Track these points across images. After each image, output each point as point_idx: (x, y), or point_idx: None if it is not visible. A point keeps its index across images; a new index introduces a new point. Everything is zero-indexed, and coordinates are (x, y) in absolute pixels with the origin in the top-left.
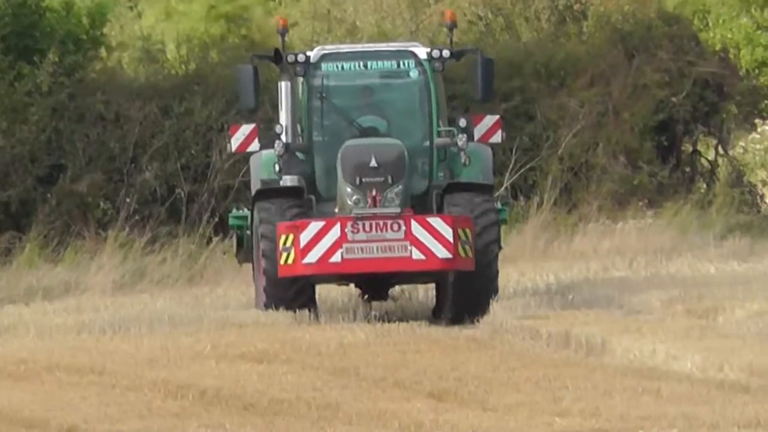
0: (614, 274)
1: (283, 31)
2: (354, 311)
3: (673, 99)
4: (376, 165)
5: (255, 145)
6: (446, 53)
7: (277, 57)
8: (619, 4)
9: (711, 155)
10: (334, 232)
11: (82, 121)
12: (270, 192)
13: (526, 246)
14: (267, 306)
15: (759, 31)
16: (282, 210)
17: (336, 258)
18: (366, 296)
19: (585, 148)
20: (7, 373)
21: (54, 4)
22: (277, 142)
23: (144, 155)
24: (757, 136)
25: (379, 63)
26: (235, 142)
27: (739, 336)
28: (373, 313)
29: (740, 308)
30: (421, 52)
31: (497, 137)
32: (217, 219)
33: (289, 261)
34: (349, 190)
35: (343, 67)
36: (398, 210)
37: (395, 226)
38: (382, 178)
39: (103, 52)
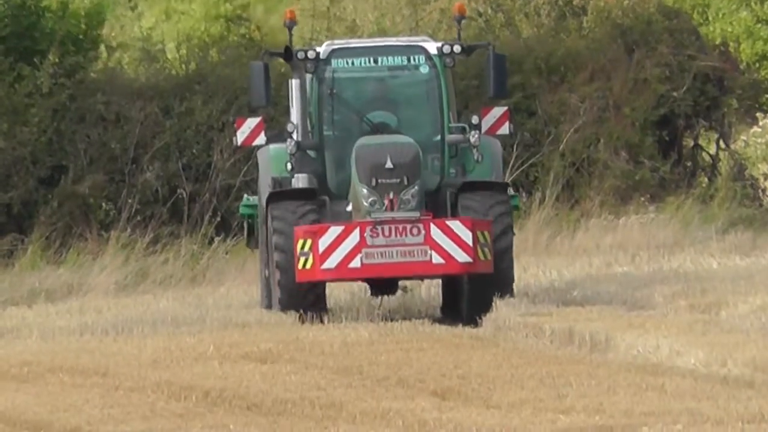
0: (617, 270)
1: (291, 24)
2: (358, 309)
3: (674, 93)
4: (391, 166)
5: (261, 139)
6: (457, 48)
7: (288, 54)
8: None
9: (712, 149)
10: (354, 237)
11: (83, 122)
12: (283, 194)
13: (529, 242)
14: (283, 310)
15: (759, 25)
16: (297, 214)
17: (355, 263)
18: (374, 291)
19: (586, 144)
20: (11, 375)
21: (52, 4)
22: (288, 140)
23: (145, 155)
24: (759, 129)
25: (390, 58)
26: (240, 136)
27: (742, 330)
28: (376, 311)
29: (743, 303)
30: (432, 47)
31: (505, 129)
32: (219, 219)
33: (308, 266)
34: (365, 191)
35: (353, 63)
36: (417, 214)
37: (415, 231)
38: (398, 180)
39: (103, 52)
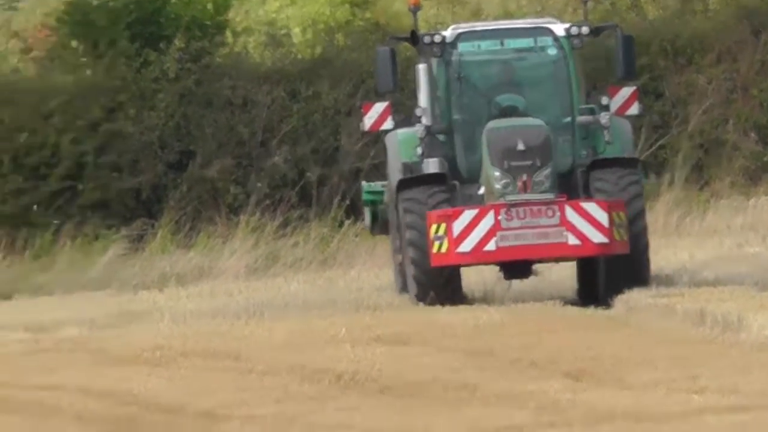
0: (748, 251)
1: (415, 9)
2: (490, 292)
3: None
4: (523, 149)
5: (389, 123)
6: (585, 30)
7: (414, 38)
8: None
9: None
10: (488, 220)
11: (210, 107)
12: (414, 180)
13: (659, 224)
14: (419, 298)
15: None
16: (428, 198)
17: (491, 246)
18: (507, 275)
19: (714, 125)
20: (143, 359)
21: None
22: (417, 124)
23: (273, 139)
24: None
25: (516, 41)
26: (368, 121)
27: None
28: (507, 294)
29: None
30: (559, 28)
31: (635, 109)
32: (348, 202)
33: (443, 250)
34: (497, 174)
35: (480, 46)
36: (551, 195)
37: (550, 212)
38: (530, 162)
39: (228, 37)
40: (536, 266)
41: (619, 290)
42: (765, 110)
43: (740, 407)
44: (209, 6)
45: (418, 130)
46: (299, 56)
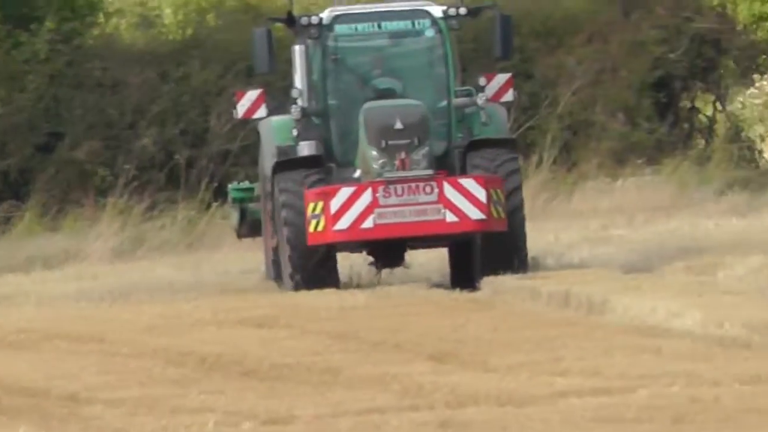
0: (613, 233)
1: None
2: (357, 275)
3: (671, 55)
4: (401, 127)
5: (262, 111)
6: (462, 11)
7: (291, 20)
8: None
9: (709, 111)
10: (366, 197)
11: (80, 88)
12: (290, 162)
13: (526, 205)
14: (293, 279)
15: None
16: (304, 179)
17: (368, 224)
18: (379, 264)
19: (583, 106)
20: (7, 342)
21: None
22: (293, 106)
23: (142, 121)
24: (755, 91)
25: (394, 23)
26: (241, 109)
27: (739, 292)
28: (376, 278)
29: (740, 264)
30: (436, 10)
31: (509, 96)
32: (216, 184)
33: (319, 228)
34: (374, 153)
35: (356, 28)
36: (430, 172)
37: (428, 189)
38: (409, 140)
39: (100, 18)
40: (408, 259)
41: (495, 271)
42: (633, 91)
43: (602, 389)
44: None
45: (293, 112)
46: (170, 37)
